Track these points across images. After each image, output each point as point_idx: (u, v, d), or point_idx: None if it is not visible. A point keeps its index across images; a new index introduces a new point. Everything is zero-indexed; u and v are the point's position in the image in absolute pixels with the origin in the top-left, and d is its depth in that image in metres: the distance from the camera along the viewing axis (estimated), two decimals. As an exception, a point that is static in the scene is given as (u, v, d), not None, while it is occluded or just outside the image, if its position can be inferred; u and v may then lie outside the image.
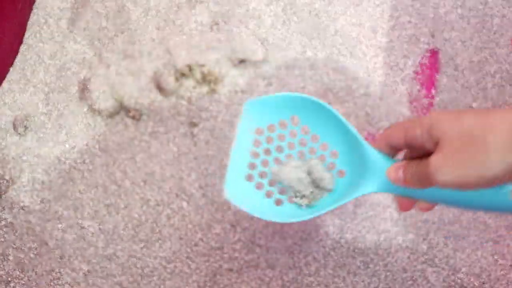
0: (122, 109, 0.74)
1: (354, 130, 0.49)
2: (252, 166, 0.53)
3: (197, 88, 0.75)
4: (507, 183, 0.41)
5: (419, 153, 0.44)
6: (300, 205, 0.51)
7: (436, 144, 0.39)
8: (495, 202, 0.43)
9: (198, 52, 0.75)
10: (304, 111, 0.51)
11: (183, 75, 0.75)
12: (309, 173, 0.51)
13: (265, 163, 0.53)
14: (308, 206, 0.51)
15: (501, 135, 0.36)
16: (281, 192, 0.52)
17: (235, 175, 0.52)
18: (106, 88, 0.73)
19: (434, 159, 0.39)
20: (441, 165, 0.38)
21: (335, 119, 0.50)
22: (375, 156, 0.47)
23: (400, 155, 0.48)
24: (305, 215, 0.49)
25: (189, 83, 0.75)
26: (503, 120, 0.37)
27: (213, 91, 0.75)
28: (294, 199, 0.51)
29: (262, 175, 0.53)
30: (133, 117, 0.74)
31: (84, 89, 0.73)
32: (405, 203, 0.47)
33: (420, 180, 0.41)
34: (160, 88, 0.74)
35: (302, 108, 0.51)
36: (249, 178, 0.52)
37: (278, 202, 0.52)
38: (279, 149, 0.53)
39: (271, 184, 0.52)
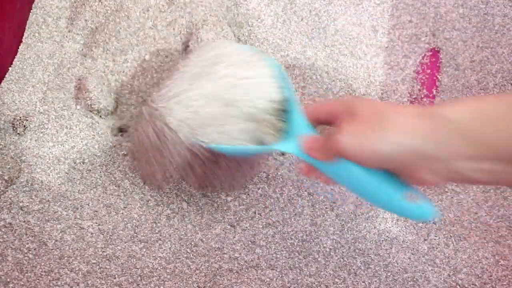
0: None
1: (291, 94, 0.55)
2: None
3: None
4: (400, 169, 0.43)
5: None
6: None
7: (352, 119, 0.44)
8: (388, 196, 0.45)
9: (198, 52, 0.75)
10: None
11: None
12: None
13: None
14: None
15: (403, 117, 0.40)
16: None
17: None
18: (105, 87, 0.73)
19: (342, 125, 0.43)
20: (346, 130, 0.42)
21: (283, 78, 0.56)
22: (301, 123, 0.52)
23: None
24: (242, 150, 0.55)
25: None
26: (410, 108, 0.41)
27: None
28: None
29: None
30: (132, 117, 0.74)
31: (83, 88, 0.73)
32: (307, 169, 0.52)
33: (327, 149, 0.45)
34: (159, 88, 0.74)
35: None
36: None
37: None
38: None
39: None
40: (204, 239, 0.70)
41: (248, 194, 0.71)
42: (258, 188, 0.72)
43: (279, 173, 0.72)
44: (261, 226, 0.71)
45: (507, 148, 0.35)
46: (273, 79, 0.55)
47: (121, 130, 0.73)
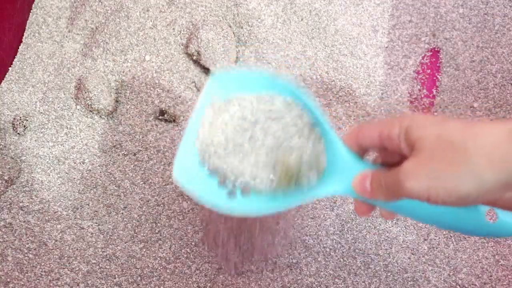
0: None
1: (327, 124, 0.43)
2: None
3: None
4: (480, 204, 0.37)
5: (392, 157, 0.40)
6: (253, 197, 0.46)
7: (412, 148, 0.35)
8: (467, 223, 0.39)
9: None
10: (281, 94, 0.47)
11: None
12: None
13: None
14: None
15: (484, 146, 0.31)
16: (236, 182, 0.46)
17: (188, 155, 0.46)
18: (105, 87, 0.73)
19: (405, 165, 0.34)
20: (412, 172, 0.33)
21: (309, 109, 0.45)
22: (344, 155, 0.41)
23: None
24: (260, 210, 0.45)
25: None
26: (490, 131, 0.31)
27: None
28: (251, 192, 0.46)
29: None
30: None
31: (82, 88, 0.73)
32: (364, 208, 0.42)
33: (388, 192, 0.36)
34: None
35: (280, 91, 0.47)
36: (203, 162, 0.47)
37: (231, 194, 0.46)
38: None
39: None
40: (204, 239, 0.70)
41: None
42: (258, 188, 0.72)
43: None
44: (262, 226, 0.71)
45: None
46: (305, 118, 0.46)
47: (162, 113, 0.71)
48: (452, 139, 0.32)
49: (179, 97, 0.74)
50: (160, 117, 0.72)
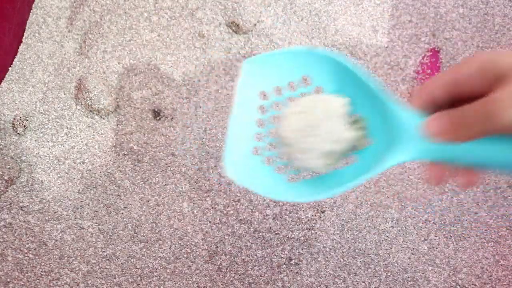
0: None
1: (380, 88, 0.39)
2: (258, 137, 0.44)
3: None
4: None
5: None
6: (317, 179, 0.43)
7: (494, 83, 0.30)
8: None
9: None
10: (317, 69, 0.42)
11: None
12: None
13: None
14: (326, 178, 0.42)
15: None
16: (293, 165, 0.43)
17: (237, 148, 0.43)
18: (105, 87, 0.73)
19: (500, 94, 0.29)
20: (509, 100, 0.28)
21: (357, 77, 0.40)
22: (408, 115, 0.36)
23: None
24: (324, 192, 0.40)
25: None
26: None
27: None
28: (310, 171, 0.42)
29: (270, 147, 0.44)
30: (132, 117, 0.74)
31: (83, 88, 0.73)
32: (438, 172, 0.37)
33: (474, 126, 0.31)
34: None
35: (315, 66, 0.42)
36: (255, 151, 0.44)
37: (292, 178, 0.43)
38: None
39: (282, 157, 0.43)
40: (204, 239, 0.70)
41: (250, 197, 0.71)
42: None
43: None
44: (262, 226, 0.71)
45: None
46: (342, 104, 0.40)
47: (157, 114, 0.72)
48: None
49: (180, 97, 0.74)
50: (158, 118, 0.72)
